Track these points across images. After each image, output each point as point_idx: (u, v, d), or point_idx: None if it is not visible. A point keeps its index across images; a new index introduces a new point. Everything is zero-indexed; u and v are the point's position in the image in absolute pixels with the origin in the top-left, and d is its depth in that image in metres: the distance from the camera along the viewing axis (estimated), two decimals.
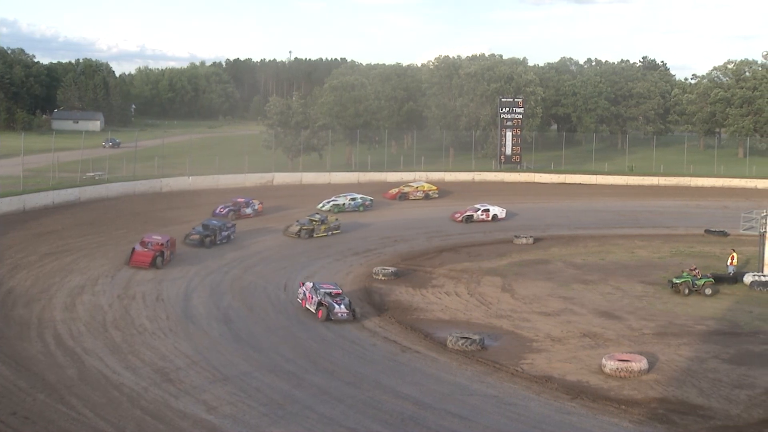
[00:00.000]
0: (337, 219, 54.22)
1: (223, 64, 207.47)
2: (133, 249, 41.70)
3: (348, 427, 23.50)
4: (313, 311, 34.47)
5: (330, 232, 52.18)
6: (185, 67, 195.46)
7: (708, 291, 39.70)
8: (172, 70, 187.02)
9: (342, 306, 34.14)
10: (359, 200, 62.27)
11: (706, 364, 29.76)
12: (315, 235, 51.02)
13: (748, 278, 41.92)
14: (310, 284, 36.01)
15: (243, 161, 74.89)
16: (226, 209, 56.17)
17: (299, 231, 51.12)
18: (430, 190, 69.59)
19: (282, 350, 30.08)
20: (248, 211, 57.44)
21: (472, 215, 60.03)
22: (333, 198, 62.48)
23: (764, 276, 42.02)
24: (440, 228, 57.09)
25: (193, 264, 42.69)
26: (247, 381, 26.58)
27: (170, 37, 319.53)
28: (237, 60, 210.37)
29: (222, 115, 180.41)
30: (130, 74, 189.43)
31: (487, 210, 60.50)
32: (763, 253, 43.35)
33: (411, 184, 70.74)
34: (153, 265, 40.48)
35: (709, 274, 40.81)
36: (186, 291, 37.65)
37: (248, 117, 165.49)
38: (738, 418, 24.93)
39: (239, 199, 58.11)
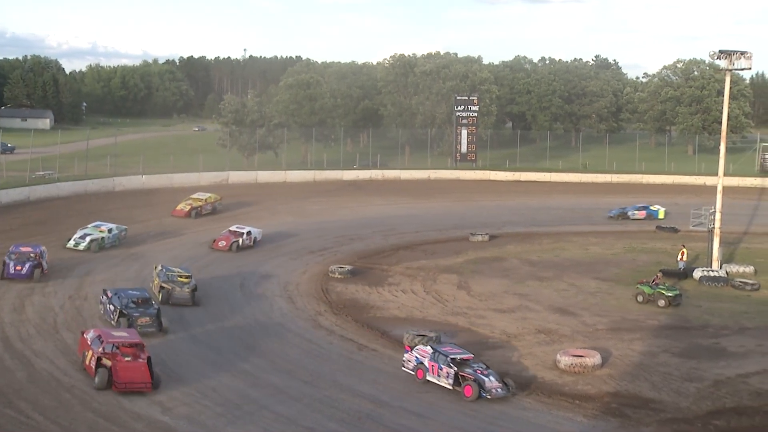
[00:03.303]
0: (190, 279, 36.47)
1: (177, 61, 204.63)
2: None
3: (305, 426, 23.43)
4: (447, 386, 26.52)
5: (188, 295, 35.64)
6: (138, 64, 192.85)
7: (661, 303, 37.41)
8: (124, 68, 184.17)
9: (492, 378, 26.26)
10: (115, 231, 46.41)
11: (657, 359, 30.27)
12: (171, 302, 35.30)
13: (697, 273, 42.71)
14: (425, 348, 27.71)
15: (198, 160, 74.16)
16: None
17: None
18: (216, 201, 58.76)
19: (238, 350, 29.88)
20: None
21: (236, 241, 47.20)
22: (84, 230, 45.62)
23: (713, 271, 42.85)
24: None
25: (147, 264, 42.18)
26: (202, 381, 26.34)
27: (123, 34, 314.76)
28: (191, 58, 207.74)
29: (176, 113, 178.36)
30: (81, 72, 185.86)
31: (248, 232, 47.83)
32: (712, 249, 44.20)
33: (199, 197, 57.89)
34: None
35: (664, 285, 38.90)
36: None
37: (203, 115, 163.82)
38: (687, 411, 25.40)
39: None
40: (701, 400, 26.26)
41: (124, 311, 30.88)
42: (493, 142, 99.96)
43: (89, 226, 46.32)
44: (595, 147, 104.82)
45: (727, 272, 43.09)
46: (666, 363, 29.76)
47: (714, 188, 46.19)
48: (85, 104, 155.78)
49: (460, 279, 42.26)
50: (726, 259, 45.83)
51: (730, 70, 43.54)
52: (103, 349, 25.63)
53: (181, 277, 36.05)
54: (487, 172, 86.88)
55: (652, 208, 63.29)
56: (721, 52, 42.77)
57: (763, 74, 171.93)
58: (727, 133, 46.70)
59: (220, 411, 24.06)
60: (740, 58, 42.50)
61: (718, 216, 44.35)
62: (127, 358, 25.46)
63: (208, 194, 59.02)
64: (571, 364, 28.67)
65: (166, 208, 56.73)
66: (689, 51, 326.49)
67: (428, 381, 26.98)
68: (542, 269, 45.07)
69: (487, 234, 53.32)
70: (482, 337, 32.73)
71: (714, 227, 44.31)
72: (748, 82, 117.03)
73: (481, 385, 25.66)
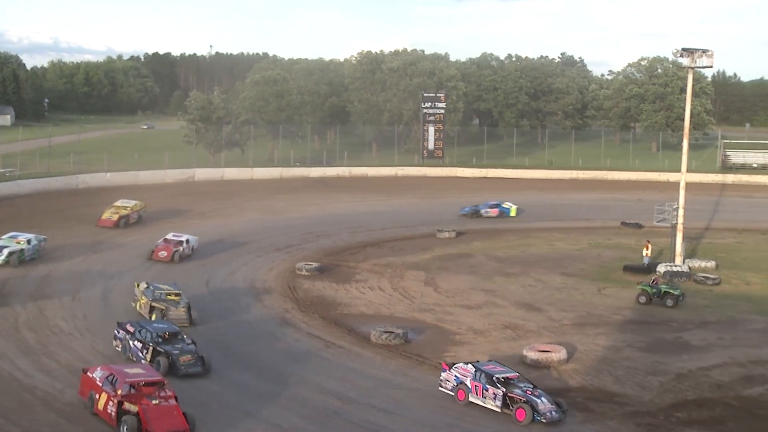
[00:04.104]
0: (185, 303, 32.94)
1: (142, 58, 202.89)
2: None
3: (273, 423, 23.32)
4: (494, 409, 24.62)
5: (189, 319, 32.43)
6: (102, 60, 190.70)
7: (669, 302, 37.01)
8: (87, 64, 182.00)
9: (545, 400, 24.28)
10: (34, 241, 41.48)
11: (621, 353, 30.60)
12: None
13: (661, 268, 43.21)
14: (465, 366, 25.83)
15: (163, 157, 73.51)
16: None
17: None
18: (141, 209, 53.51)
19: (206, 348, 29.36)
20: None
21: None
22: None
23: (676, 266, 43.41)
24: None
25: (111, 262, 41.75)
26: (169, 379, 25.98)
27: (86, 30, 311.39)
28: (156, 54, 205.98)
29: (141, 110, 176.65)
30: (42, 67, 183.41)
31: (187, 240, 44.57)
32: (675, 244, 44.78)
33: (124, 204, 52.69)
34: None
35: (666, 284, 38.79)
36: (104, 290, 36.73)
37: (168, 112, 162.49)
38: (651, 404, 25.72)
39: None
40: (664, 394, 26.62)
41: (159, 348, 26.79)
42: (460, 139, 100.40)
43: (4, 237, 40.84)
44: (560, 144, 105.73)
45: (689, 267, 43.72)
46: (630, 357, 30.11)
47: (677, 184, 46.82)
48: (47, 101, 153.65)
49: (427, 275, 42.35)
50: (689, 255, 46.54)
51: (693, 68, 44.14)
52: (122, 391, 21.94)
53: (170, 294, 32.85)
54: (454, 168, 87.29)
55: (504, 205, 62.18)
56: (683, 50, 43.35)
57: (724, 72, 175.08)
58: (689, 130, 47.38)
59: (185, 409, 23.74)
60: (702, 57, 43.08)
61: (681, 212, 44.97)
62: (155, 402, 21.71)
63: (134, 201, 53.44)
64: (538, 359, 28.90)
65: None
66: (653, 49, 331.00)
67: (471, 403, 25.07)
68: (509, 265, 45.33)
69: (454, 231, 53.51)
70: (449, 333, 32.84)
71: (677, 223, 44.91)
72: (709, 79, 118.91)
73: (534, 408, 23.74)
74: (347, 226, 55.78)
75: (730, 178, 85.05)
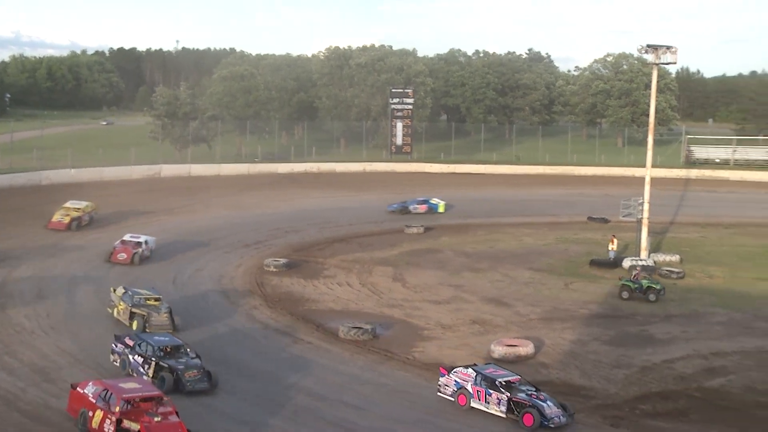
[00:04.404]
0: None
1: (107, 52, 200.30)
2: None
3: (242, 420, 23.29)
4: (499, 414, 23.97)
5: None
6: (65, 55, 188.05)
7: (652, 297, 37.22)
8: (50, 59, 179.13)
9: (551, 404, 23.66)
10: None
11: (587, 347, 30.94)
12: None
13: (626, 263, 43.70)
14: (465, 370, 25.03)
15: (129, 153, 72.78)
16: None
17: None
18: (93, 210, 51.26)
19: None
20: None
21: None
22: None
23: (641, 260, 43.90)
24: None
25: (73, 259, 41.27)
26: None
27: (48, 24, 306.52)
28: (121, 49, 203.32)
29: (106, 105, 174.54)
30: (3, 62, 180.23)
31: (145, 241, 42.99)
32: (640, 239, 45.29)
33: (75, 206, 50.34)
34: None
35: (647, 279, 38.66)
36: (69, 287, 36.31)
37: (134, 108, 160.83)
38: (616, 396, 26.05)
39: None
40: (629, 386, 26.95)
41: (162, 363, 25.29)
42: (428, 135, 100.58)
43: None
44: (528, 139, 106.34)
45: (654, 261, 44.22)
46: (596, 351, 30.44)
47: (642, 179, 47.34)
48: (8, 95, 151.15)
49: (395, 271, 42.40)
50: (654, 249, 47.03)
51: (657, 64, 44.62)
52: (120, 407, 20.62)
53: (150, 299, 31.63)
54: (422, 164, 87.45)
55: (432, 201, 61.34)
56: (648, 46, 43.80)
57: (687, 69, 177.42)
58: (654, 126, 47.91)
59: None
60: (666, 53, 43.56)
61: (646, 206, 45.44)
62: (156, 419, 20.48)
63: (85, 202, 51.14)
64: (505, 353, 29.08)
65: (98, 202, 55.34)
66: (619, 45, 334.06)
67: (473, 408, 24.37)
68: (476, 260, 45.53)
69: (422, 226, 53.62)
70: (417, 328, 32.94)
71: (642, 218, 45.40)
72: (674, 76, 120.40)
73: (541, 413, 23.01)
74: (315, 222, 55.65)
75: (693, 173, 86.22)
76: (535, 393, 23.91)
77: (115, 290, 32.77)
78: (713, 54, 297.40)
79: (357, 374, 27.63)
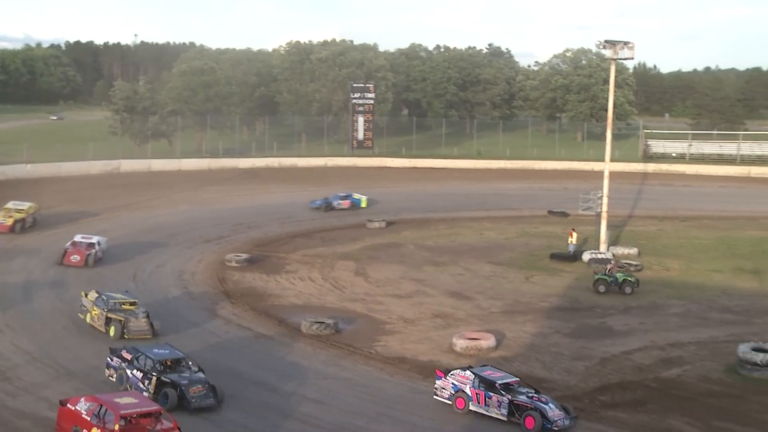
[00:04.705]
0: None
1: (63, 46, 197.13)
2: None
3: (203, 416, 23.12)
4: (500, 418, 23.46)
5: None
6: (19, 48, 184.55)
7: (628, 290, 37.83)
8: (4, 52, 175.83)
9: (552, 406, 23.19)
10: None
11: (548, 339, 31.30)
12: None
13: (586, 256, 44.26)
14: (463, 373, 24.52)
15: (87, 148, 71.82)
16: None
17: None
18: (36, 211, 48.59)
19: (133, 341, 28.99)
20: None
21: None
22: None
23: (601, 253, 44.49)
24: None
25: (31, 256, 40.66)
26: (94, 375, 25.62)
27: (1, 16, 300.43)
28: (78, 42, 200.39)
29: (63, 99, 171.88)
30: None
31: (98, 242, 41.38)
32: (600, 232, 45.88)
33: (17, 207, 47.61)
34: None
35: (621, 272, 39.19)
36: (25, 284, 35.79)
37: (92, 102, 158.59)
38: (576, 388, 26.36)
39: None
40: (589, 378, 27.31)
41: (164, 378, 23.76)
42: (390, 129, 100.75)
43: None
44: (489, 134, 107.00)
45: (613, 254, 44.81)
46: (557, 343, 30.80)
47: (601, 173, 47.94)
48: None
49: (357, 265, 42.49)
50: (612, 242, 47.73)
51: (615, 60, 45.16)
52: (119, 425, 19.33)
53: (125, 304, 30.51)
54: (384, 158, 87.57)
55: (354, 196, 60.29)
56: (606, 42, 44.30)
57: (644, 64, 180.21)
58: (612, 121, 48.54)
59: None
60: (624, 48, 44.10)
61: (605, 200, 46.02)
62: None
63: (28, 203, 48.45)
64: (467, 347, 29.27)
65: (53, 198, 54.65)
66: (578, 41, 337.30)
67: (471, 411, 23.87)
68: (438, 254, 45.76)
69: (383, 220, 53.75)
70: (379, 322, 33.05)
71: (601, 211, 45.98)
72: (631, 71, 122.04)
73: (543, 415, 22.55)
74: (277, 216, 55.50)
75: (651, 167, 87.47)
76: (536, 395, 23.53)
77: (86, 294, 31.35)
78: (669, 50, 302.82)
79: (319, 368, 27.61)
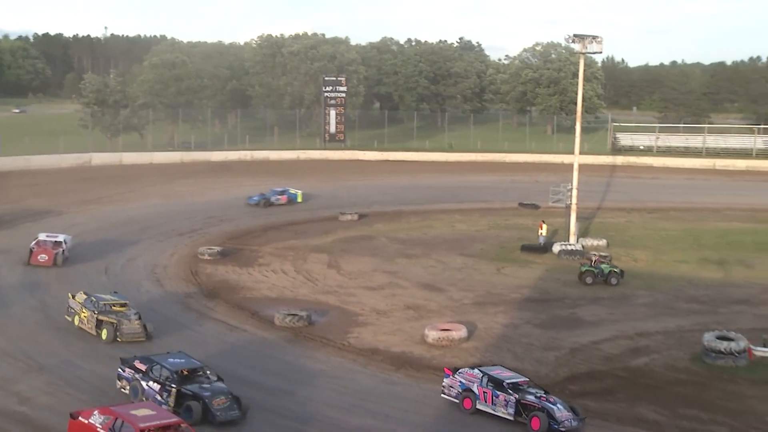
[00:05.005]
0: None
1: (31, 38, 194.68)
2: None
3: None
4: (507, 417, 23.05)
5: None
6: None
7: (614, 281, 38.38)
8: None
9: (560, 407, 22.74)
10: None
11: (519, 330, 31.67)
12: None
13: (556, 248, 44.81)
14: (471, 371, 24.23)
15: (58, 141, 71.26)
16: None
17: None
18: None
19: (126, 344, 28.64)
20: None
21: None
22: None
23: (570, 245, 45.07)
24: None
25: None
26: (67, 369, 25.69)
27: None
28: (47, 35, 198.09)
29: (32, 92, 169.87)
30: None
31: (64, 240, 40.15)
32: (569, 224, 46.47)
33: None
34: None
35: (606, 263, 39.60)
36: None
37: (62, 95, 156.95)
38: (546, 378, 26.66)
39: None
40: (559, 368, 27.70)
41: (185, 390, 22.34)
42: (362, 123, 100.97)
43: None
44: (460, 127, 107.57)
45: (583, 246, 45.40)
46: (527, 334, 31.18)
47: (571, 166, 48.50)
48: None
49: (330, 258, 42.68)
50: (582, 234, 48.34)
51: (584, 54, 45.70)
52: None
53: (116, 305, 29.44)
54: (356, 152, 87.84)
55: (291, 191, 59.13)
56: (575, 36, 44.77)
57: (612, 58, 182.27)
58: (582, 114, 49.11)
59: (85, 398, 23.45)
60: (593, 43, 44.61)
61: (574, 192, 46.59)
62: None
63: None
64: (439, 338, 29.55)
65: (22, 192, 54.25)
66: (547, 35, 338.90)
67: (479, 410, 23.49)
68: (410, 247, 46.07)
69: (356, 213, 53.96)
70: (352, 314, 33.26)
71: (571, 203, 46.55)
72: (600, 65, 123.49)
73: (551, 416, 22.21)
74: (249, 209, 55.51)
75: (619, 159, 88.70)
76: (544, 395, 23.10)
77: (73, 296, 30.38)
78: (637, 44, 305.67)
79: (292, 361, 27.78)
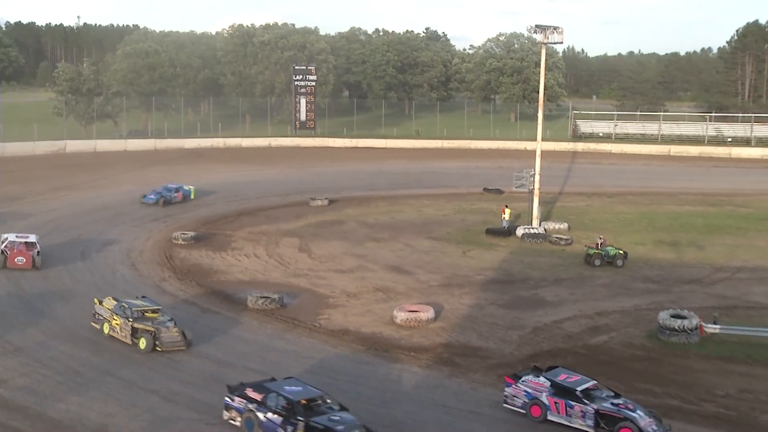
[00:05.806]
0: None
1: (3, 26, 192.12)
2: None
3: (149, 389, 23.77)
4: (587, 429, 21.79)
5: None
6: None
7: (619, 263, 39.78)
8: None
9: (641, 413, 21.46)
10: None
11: (484, 311, 32.62)
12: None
13: (519, 231, 46.04)
14: (537, 380, 22.91)
15: (32, 129, 71.21)
16: None
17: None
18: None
19: (80, 318, 29.51)
20: None
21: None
22: None
23: (533, 229, 46.32)
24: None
25: None
26: (42, 351, 26.16)
27: None
28: (19, 23, 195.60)
29: (5, 80, 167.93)
30: None
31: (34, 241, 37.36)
32: (532, 208, 47.71)
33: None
34: None
35: (610, 246, 40.80)
36: None
37: (35, 83, 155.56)
38: (510, 356, 27.72)
39: None
40: (522, 346, 28.68)
41: (315, 424, 19.83)
42: (331, 111, 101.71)
43: None
44: (427, 115, 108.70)
45: (545, 229, 46.61)
46: (492, 314, 32.09)
47: (533, 152, 49.69)
48: None
49: (301, 242, 43.40)
50: (544, 217, 49.46)
51: (546, 44, 46.81)
52: None
53: (148, 311, 27.79)
54: (326, 139, 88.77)
55: (185, 188, 55.22)
56: (537, 26, 45.77)
57: (573, 48, 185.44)
58: (544, 102, 50.30)
59: (61, 380, 23.95)
60: (554, 33, 45.68)
61: (537, 178, 47.61)
62: None
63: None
64: (407, 319, 30.40)
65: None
66: (510, 25, 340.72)
67: (548, 420, 22.32)
68: (379, 231, 46.95)
69: (326, 198, 54.72)
70: (323, 296, 34.01)
71: (534, 188, 47.65)
72: (561, 55, 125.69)
73: (638, 426, 20.78)
74: (222, 195, 56.17)
75: (580, 146, 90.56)
76: (623, 403, 21.78)
77: (101, 302, 28.63)
78: (596, 35, 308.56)
79: (264, 342, 28.48)
